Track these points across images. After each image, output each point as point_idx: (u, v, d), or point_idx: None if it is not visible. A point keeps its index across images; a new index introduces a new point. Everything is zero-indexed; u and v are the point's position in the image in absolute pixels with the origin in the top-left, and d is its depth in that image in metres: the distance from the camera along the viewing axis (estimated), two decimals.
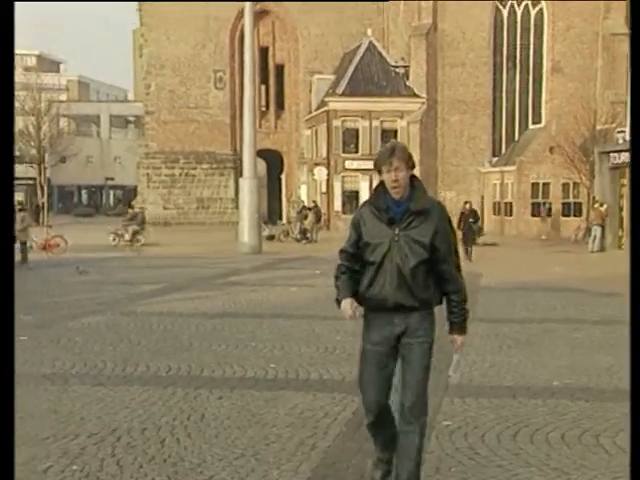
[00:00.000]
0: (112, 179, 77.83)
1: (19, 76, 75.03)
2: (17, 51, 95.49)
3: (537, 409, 6.40)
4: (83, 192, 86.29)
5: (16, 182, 72.91)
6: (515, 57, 48.05)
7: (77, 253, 23.98)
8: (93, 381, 7.52)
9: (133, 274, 18.97)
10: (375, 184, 4.41)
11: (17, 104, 70.13)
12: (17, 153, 74.46)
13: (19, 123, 69.42)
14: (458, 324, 4.37)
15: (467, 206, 25.78)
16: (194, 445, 5.48)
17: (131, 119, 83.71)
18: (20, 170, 75.61)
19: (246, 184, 27.75)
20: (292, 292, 14.89)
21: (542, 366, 8.14)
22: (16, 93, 70.92)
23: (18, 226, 21.29)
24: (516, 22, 47.77)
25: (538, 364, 8.23)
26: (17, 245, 21.46)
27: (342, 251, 4.41)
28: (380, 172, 4.27)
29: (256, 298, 13.96)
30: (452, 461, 5.14)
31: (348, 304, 4.26)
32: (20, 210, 22.85)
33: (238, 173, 46.76)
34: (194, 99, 51.93)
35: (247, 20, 29.09)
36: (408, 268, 4.19)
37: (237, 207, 45.30)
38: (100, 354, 8.83)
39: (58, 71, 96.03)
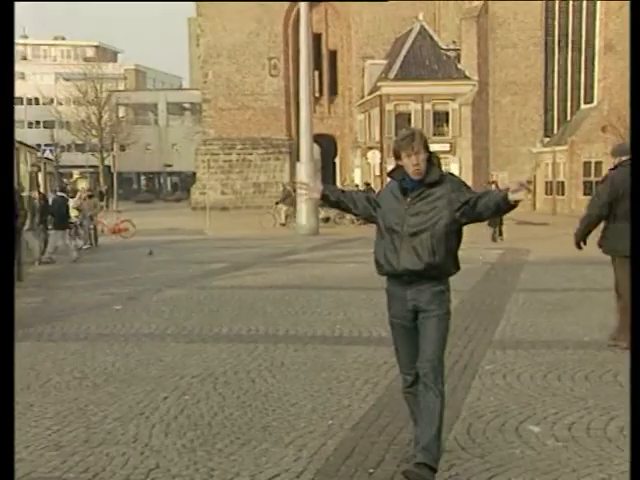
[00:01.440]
0: (170, 165, 79.73)
1: (79, 67, 77.51)
2: (76, 42, 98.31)
3: (567, 357, 7.47)
4: (142, 178, 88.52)
5: (79, 170, 75.23)
6: (567, 37, 48.22)
7: (145, 236, 25.47)
8: (185, 339, 8.80)
9: (201, 254, 20.31)
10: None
11: (79, 94, 72.54)
12: (79, 142, 77.05)
13: (81, 113, 71.78)
14: (500, 191, 4.46)
15: (493, 186, 24.93)
16: (279, 383, 6.70)
17: (187, 106, 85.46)
18: (82, 158, 78.26)
19: (303, 168, 28.88)
20: (350, 268, 16.04)
21: (576, 325, 9.18)
22: (78, 83, 73.34)
23: (90, 211, 22.86)
24: (568, 1, 47.92)
25: (573, 324, 9.27)
26: (90, 227, 23.04)
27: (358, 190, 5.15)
28: (399, 157, 4.50)
29: (318, 273, 15.17)
30: (491, 393, 6.26)
31: (314, 184, 4.95)
32: (90, 196, 24.39)
33: (293, 157, 48.02)
34: (250, 86, 53.21)
35: (303, 7, 30.16)
36: (416, 234, 4.41)
37: (293, 190, 46.61)
38: (186, 319, 10.12)
39: (116, 61, 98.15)
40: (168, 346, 8.39)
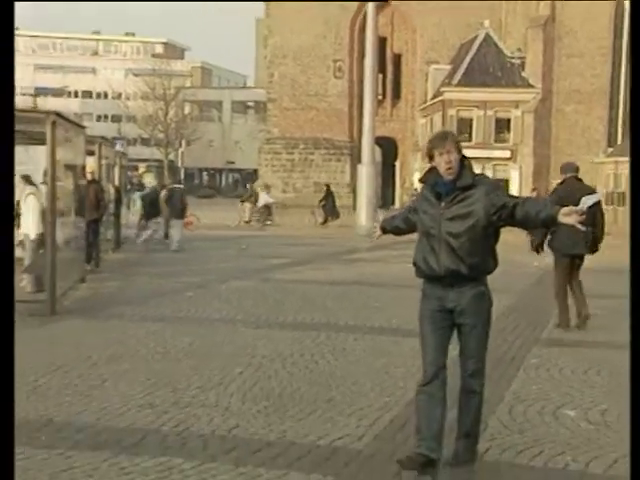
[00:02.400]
0: (232, 162, 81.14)
1: (148, 63, 79.45)
2: (146, 39, 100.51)
3: (609, 356, 8.03)
4: (204, 174, 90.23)
5: (145, 163, 77.01)
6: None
7: (209, 230, 26.45)
8: (253, 325, 9.58)
9: (264, 250, 21.14)
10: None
11: (147, 90, 74.38)
12: (145, 136, 78.99)
13: (149, 108, 73.62)
14: (551, 207, 4.50)
15: (534, 193, 24.18)
16: (341, 365, 7.42)
17: (251, 105, 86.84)
18: (147, 152, 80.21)
19: (364, 170, 29.54)
20: (407, 267, 16.65)
21: (621, 328, 9.67)
22: (146, 79, 75.23)
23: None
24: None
25: (617, 327, 9.76)
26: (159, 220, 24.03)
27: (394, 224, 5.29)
28: (432, 157, 4.61)
29: (376, 271, 15.85)
30: (534, 382, 6.89)
31: (377, 228, 5.36)
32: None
33: (354, 159, 48.70)
34: (314, 87, 54.11)
35: (369, 11, 30.83)
36: (454, 239, 4.52)
37: (352, 192, 47.30)
38: (254, 307, 10.91)
39: (183, 58, 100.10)
40: (238, 330, 9.18)
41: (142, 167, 77.97)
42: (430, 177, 4.68)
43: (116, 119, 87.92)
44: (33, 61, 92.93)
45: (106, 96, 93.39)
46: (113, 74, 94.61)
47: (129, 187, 22.18)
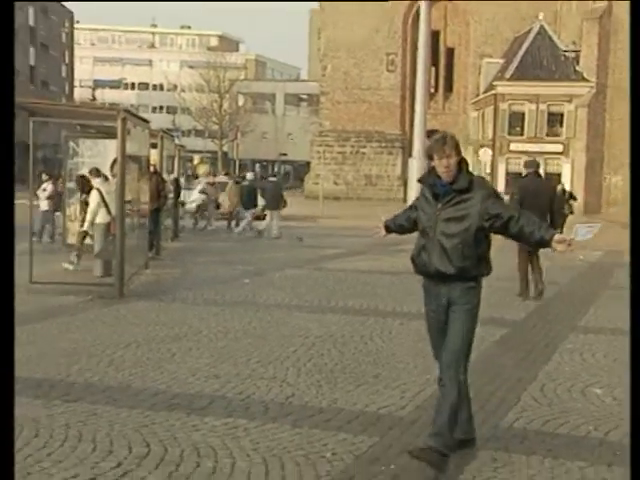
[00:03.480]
0: (285, 154, 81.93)
1: (203, 55, 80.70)
2: (201, 31, 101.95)
3: None
4: (257, 166, 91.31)
5: (199, 155, 78.20)
6: None
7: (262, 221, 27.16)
8: (307, 309, 10.24)
9: (317, 240, 21.80)
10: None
11: (202, 82, 75.59)
12: (200, 128, 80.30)
13: (203, 100, 74.84)
14: (546, 229, 4.67)
15: (558, 187, 23.88)
16: (387, 346, 8.04)
17: (304, 97, 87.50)
18: (201, 144, 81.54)
19: (415, 163, 29.97)
20: None
21: None
22: (201, 71, 76.45)
23: (214, 195, 24.67)
24: None
25: None
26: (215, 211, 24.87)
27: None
28: (432, 158, 4.71)
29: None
30: (566, 364, 7.42)
31: (381, 224, 5.33)
32: (212, 184, 26.26)
33: (405, 152, 49.10)
34: (366, 81, 54.56)
35: (423, 5, 31.18)
36: (448, 240, 4.63)
37: (403, 185, 47.72)
38: (306, 294, 11.58)
39: (237, 50, 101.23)
40: (292, 314, 9.86)
41: (196, 158, 79.48)
42: (429, 177, 4.78)
43: (171, 111, 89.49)
44: (92, 54, 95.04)
45: (162, 88, 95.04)
46: (169, 66, 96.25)
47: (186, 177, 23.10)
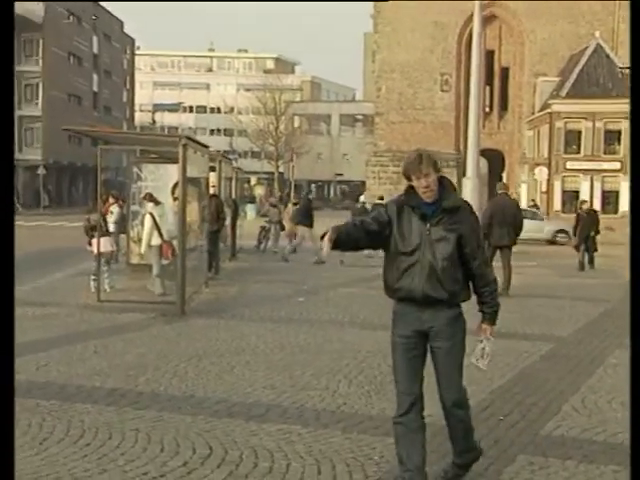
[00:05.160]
0: (341, 175, 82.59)
1: (259, 78, 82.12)
2: (258, 54, 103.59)
3: None
4: (312, 186, 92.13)
5: (256, 176, 79.26)
6: None
7: (317, 241, 27.69)
8: (359, 326, 10.66)
9: (369, 259, 22.15)
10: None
11: (259, 104, 76.79)
12: (256, 149, 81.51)
13: (259, 122, 76.01)
14: (489, 314, 4.62)
15: (584, 206, 22.68)
16: None
17: (359, 118, 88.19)
18: (258, 165, 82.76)
19: (469, 183, 30.16)
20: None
21: None
22: (257, 94, 77.77)
23: (276, 217, 25.18)
24: None
25: None
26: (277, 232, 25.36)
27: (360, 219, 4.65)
28: (409, 179, 4.45)
29: None
30: (609, 378, 7.71)
31: (326, 240, 4.33)
32: (274, 206, 26.80)
33: (460, 171, 49.22)
34: (421, 101, 54.91)
35: (476, 25, 31.46)
36: (439, 261, 4.38)
37: None
38: (359, 311, 11.99)
39: (293, 72, 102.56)
40: (346, 330, 10.28)
41: (253, 179, 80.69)
42: (411, 198, 4.50)
43: (229, 133, 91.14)
44: (152, 79, 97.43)
45: (219, 111, 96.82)
46: (226, 89, 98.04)
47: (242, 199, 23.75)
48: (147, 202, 13.60)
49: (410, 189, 4.51)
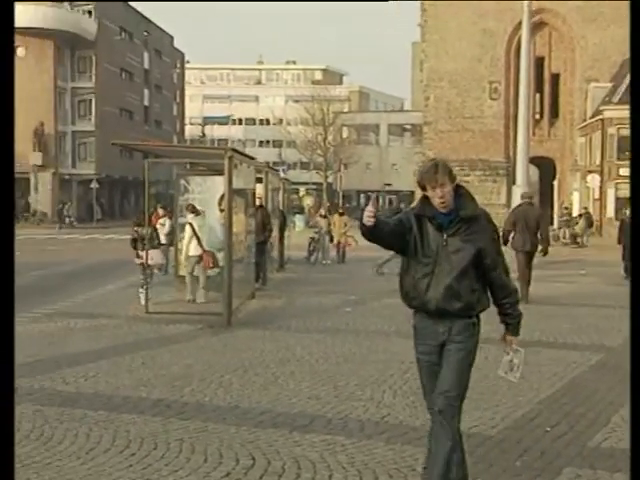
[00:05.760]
0: (390, 185, 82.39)
1: (308, 89, 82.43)
2: (306, 66, 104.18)
3: None
4: (361, 197, 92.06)
5: (304, 187, 79.51)
6: None
7: (366, 252, 27.62)
8: (403, 336, 10.44)
9: None
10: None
11: (307, 116, 77.10)
12: (305, 160, 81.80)
13: (308, 133, 76.27)
14: (512, 325, 4.54)
15: (628, 212, 21.83)
16: (482, 369, 8.12)
17: (408, 127, 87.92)
18: (306, 176, 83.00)
19: (519, 191, 29.81)
20: (556, 287, 17.21)
21: None
22: (305, 105, 78.06)
23: (325, 228, 25.15)
24: None
25: None
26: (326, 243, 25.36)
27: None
28: (425, 189, 4.35)
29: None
30: None
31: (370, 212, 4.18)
32: (324, 217, 26.79)
33: (510, 180, 48.72)
34: (469, 109, 54.55)
35: (524, 31, 31.18)
36: (456, 272, 4.29)
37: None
38: (405, 321, 11.86)
39: (341, 83, 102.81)
40: (391, 340, 10.24)
41: (302, 190, 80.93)
42: (426, 209, 4.38)
43: (277, 144, 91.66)
44: (202, 92, 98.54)
45: (268, 122, 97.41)
46: (274, 101, 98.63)
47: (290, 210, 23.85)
48: (188, 213, 13.87)
49: (425, 199, 4.40)
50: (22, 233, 41.57)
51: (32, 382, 7.72)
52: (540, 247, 14.86)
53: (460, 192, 4.39)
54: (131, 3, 67.22)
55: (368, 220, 4.16)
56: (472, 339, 4.46)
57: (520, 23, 34.49)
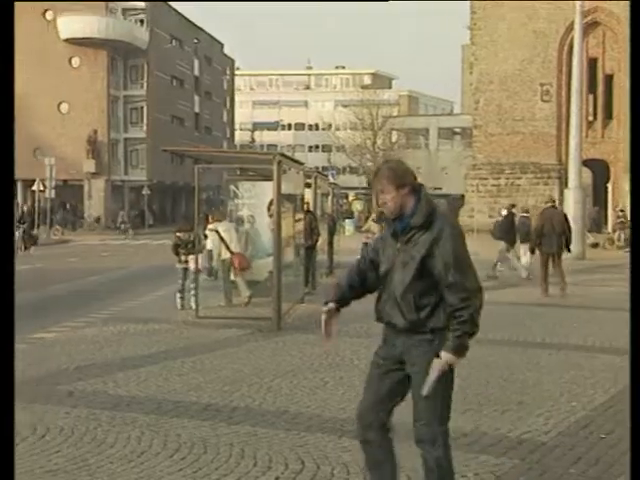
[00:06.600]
0: (439, 188, 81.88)
1: (357, 94, 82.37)
2: (355, 70, 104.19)
3: None
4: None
5: (354, 192, 79.47)
6: None
7: None
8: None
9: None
10: None
11: (356, 120, 77.09)
12: (354, 165, 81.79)
13: (357, 138, 76.27)
14: (450, 341, 3.92)
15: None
16: (534, 375, 8.21)
17: (457, 131, 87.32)
18: (356, 181, 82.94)
19: (571, 194, 29.43)
20: (609, 291, 16.86)
21: None
22: (354, 109, 78.10)
23: (378, 233, 24.99)
24: None
25: None
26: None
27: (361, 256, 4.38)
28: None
29: (579, 293, 16.17)
30: None
31: (325, 316, 4.07)
32: (376, 221, 26.62)
33: (562, 182, 48.04)
34: (520, 112, 53.93)
35: (577, 32, 30.76)
36: (402, 285, 3.97)
37: None
38: None
39: (390, 87, 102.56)
40: None
41: (351, 195, 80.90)
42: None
43: (326, 149, 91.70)
44: (251, 98, 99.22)
45: (317, 128, 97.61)
46: (323, 106, 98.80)
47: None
48: (213, 222, 14.24)
49: None
50: (77, 239, 42.39)
51: (86, 386, 7.84)
52: (565, 248, 15.86)
53: (417, 196, 4.03)
54: (182, 11, 68.05)
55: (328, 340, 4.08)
56: (430, 358, 3.96)
57: (572, 23, 34.08)
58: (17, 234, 30.01)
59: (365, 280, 4.22)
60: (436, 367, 3.92)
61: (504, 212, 22.77)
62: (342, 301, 4.24)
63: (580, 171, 30.09)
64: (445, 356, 3.92)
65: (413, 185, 4.03)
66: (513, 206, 24.32)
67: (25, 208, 33.60)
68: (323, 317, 4.16)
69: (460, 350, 3.96)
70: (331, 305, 4.18)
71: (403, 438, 5.84)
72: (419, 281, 3.95)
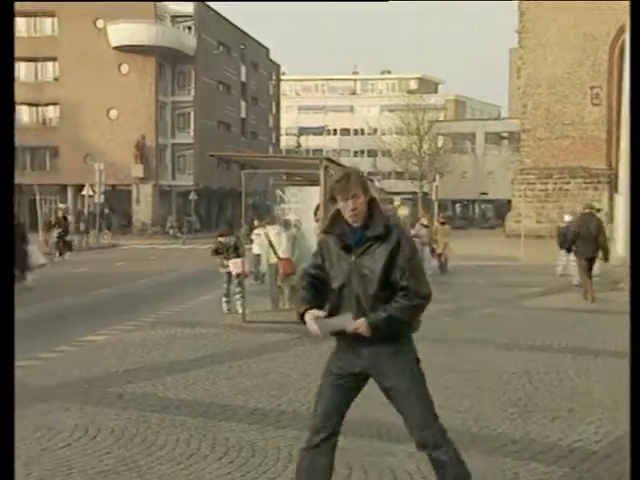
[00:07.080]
0: (486, 194, 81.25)
1: (403, 98, 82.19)
2: (401, 75, 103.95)
3: None
4: (457, 206, 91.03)
5: (399, 196, 79.32)
6: None
7: (463, 261, 27.29)
8: (503, 347, 10.42)
9: (514, 279, 21.67)
10: None
11: (402, 125, 76.83)
12: (399, 170, 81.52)
13: (403, 143, 76.01)
14: (376, 314, 3.97)
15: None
16: (584, 383, 8.10)
17: (505, 135, 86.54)
18: (401, 185, 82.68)
19: (622, 200, 28.90)
20: None
21: None
22: (400, 114, 77.85)
23: (427, 238, 24.63)
24: None
25: None
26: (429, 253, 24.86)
27: (306, 273, 4.27)
28: (335, 200, 4.06)
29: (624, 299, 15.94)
30: None
31: (311, 318, 4.00)
32: (425, 226, 26.36)
33: (612, 188, 47.29)
34: (569, 116, 53.29)
35: (628, 34, 30.26)
36: (366, 296, 3.98)
37: (609, 222, 45.90)
38: (504, 331, 11.74)
39: (437, 92, 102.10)
40: (489, 351, 10.10)
41: (397, 200, 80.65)
42: (336, 226, 4.09)
43: (372, 154, 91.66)
44: (297, 103, 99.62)
45: (362, 132, 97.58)
46: (369, 111, 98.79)
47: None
48: (259, 226, 14.35)
49: (335, 215, 4.11)
50: (126, 244, 42.98)
51: (135, 388, 7.95)
52: (601, 254, 15.91)
53: (372, 208, 4.06)
54: (228, 17, 68.60)
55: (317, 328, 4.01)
56: (407, 363, 4.12)
57: (623, 25, 33.58)
58: (51, 240, 30.74)
59: (321, 293, 4.17)
60: (349, 323, 3.95)
61: (567, 217, 22.67)
62: (315, 303, 4.13)
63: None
64: (361, 322, 3.94)
65: (371, 196, 4.08)
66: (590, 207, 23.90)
67: (60, 214, 34.13)
68: (314, 326, 4.03)
69: (373, 326, 3.96)
70: (313, 311, 4.05)
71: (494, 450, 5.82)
72: (382, 292, 3.98)
